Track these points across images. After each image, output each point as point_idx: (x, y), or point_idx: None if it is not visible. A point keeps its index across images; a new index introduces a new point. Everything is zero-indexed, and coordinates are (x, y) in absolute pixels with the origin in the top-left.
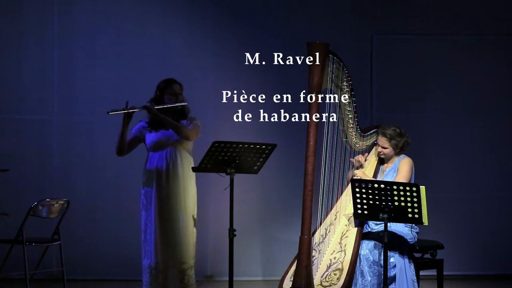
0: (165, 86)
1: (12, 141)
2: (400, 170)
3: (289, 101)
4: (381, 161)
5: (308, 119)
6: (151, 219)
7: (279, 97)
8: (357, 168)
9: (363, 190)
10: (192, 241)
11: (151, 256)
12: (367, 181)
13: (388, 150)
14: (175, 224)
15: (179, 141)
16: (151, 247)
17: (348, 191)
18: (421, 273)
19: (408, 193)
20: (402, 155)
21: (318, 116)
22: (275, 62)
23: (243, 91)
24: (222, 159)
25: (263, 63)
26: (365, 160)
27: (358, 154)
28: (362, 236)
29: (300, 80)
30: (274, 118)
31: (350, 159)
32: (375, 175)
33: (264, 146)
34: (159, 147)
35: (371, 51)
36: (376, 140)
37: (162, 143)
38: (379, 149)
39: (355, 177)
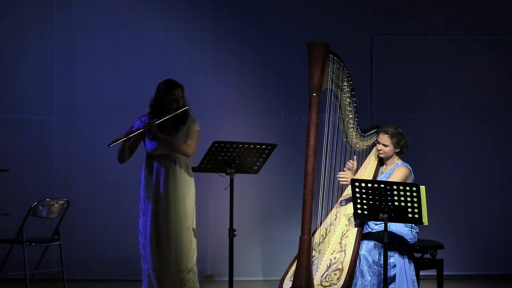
0: (166, 92)
1: (12, 141)
2: (392, 176)
3: (289, 101)
4: (381, 162)
5: (308, 119)
6: (149, 225)
7: (279, 97)
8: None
9: (363, 190)
10: (188, 247)
11: (149, 261)
12: (366, 181)
13: (389, 149)
14: (170, 231)
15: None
16: (148, 252)
17: (348, 191)
18: (421, 273)
19: (408, 193)
20: (401, 161)
21: (318, 116)
22: (275, 62)
23: (243, 91)
24: (222, 159)
25: (263, 63)
26: (357, 164)
27: (354, 156)
28: (362, 236)
29: (300, 80)
30: (274, 118)
31: (345, 167)
32: (375, 176)
33: (264, 146)
34: (158, 154)
35: (371, 51)
36: (376, 140)
37: (161, 151)
38: (380, 147)
39: (339, 177)
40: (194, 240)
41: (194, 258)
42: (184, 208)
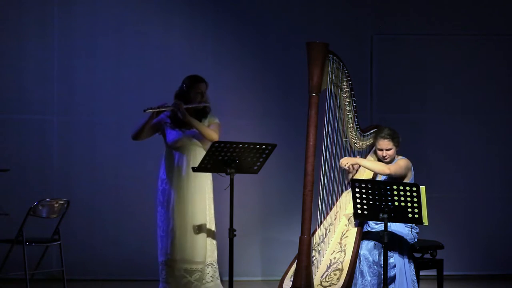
0: (193, 85)
1: (12, 141)
2: (395, 165)
3: (289, 101)
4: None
5: (308, 119)
6: (169, 217)
7: (279, 97)
8: (350, 172)
9: (363, 190)
10: (206, 241)
11: (167, 253)
12: (367, 181)
13: (393, 151)
14: (190, 224)
15: (200, 142)
16: (167, 244)
17: (348, 191)
18: (421, 273)
19: (408, 193)
20: (400, 156)
21: (317, 116)
22: (275, 62)
23: (243, 91)
24: (222, 159)
25: (263, 63)
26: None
27: (357, 156)
28: (362, 236)
29: (300, 80)
30: (274, 118)
31: (345, 167)
32: (374, 176)
33: (264, 146)
34: (180, 146)
35: (371, 51)
36: (375, 147)
37: (183, 143)
38: (384, 153)
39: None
40: (214, 235)
41: (215, 253)
42: (204, 201)
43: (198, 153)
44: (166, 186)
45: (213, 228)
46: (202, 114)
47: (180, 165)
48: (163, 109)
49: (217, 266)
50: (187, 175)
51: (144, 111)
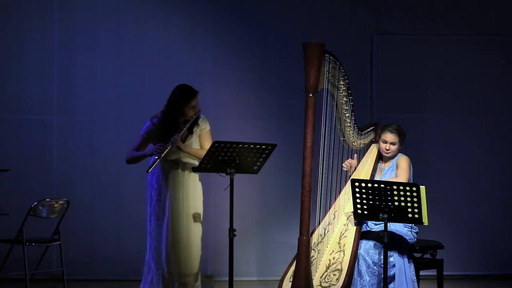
0: (185, 102)
1: (12, 141)
2: (399, 166)
3: (289, 101)
4: (379, 159)
5: (305, 120)
6: (163, 229)
7: (278, 97)
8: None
9: (363, 190)
10: (199, 248)
11: (163, 265)
12: (366, 181)
13: (396, 147)
14: (185, 236)
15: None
16: (163, 256)
17: (346, 190)
18: (421, 273)
19: (408, 193)
20: (399, 154)
21: (315, 116)
22: (275, 63)
23: (243, 91)
24: (222, 159)
25: (263, 63)
26: (356, 162)
27: (354, 154)
28: (361, 235)
29: (300, 80)
30: (273, 119)
31: (343, 166)
32: (373, 174)
33: (264, 146)
34: (176, 158)
35: (371, 51)
36: (374, 138)
37: (178, 155)
38: (387, 146)
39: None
40: (200, 244)
41: (199, 256)
42: (196, 211)
43: (187, 162)
44: (161, 198)
45: (201, 235)
46: (194, 122)
47: (175, 176)
48: (163, 154)
49: (200, 268)
50: (182, 185)
51: (147, 171)
